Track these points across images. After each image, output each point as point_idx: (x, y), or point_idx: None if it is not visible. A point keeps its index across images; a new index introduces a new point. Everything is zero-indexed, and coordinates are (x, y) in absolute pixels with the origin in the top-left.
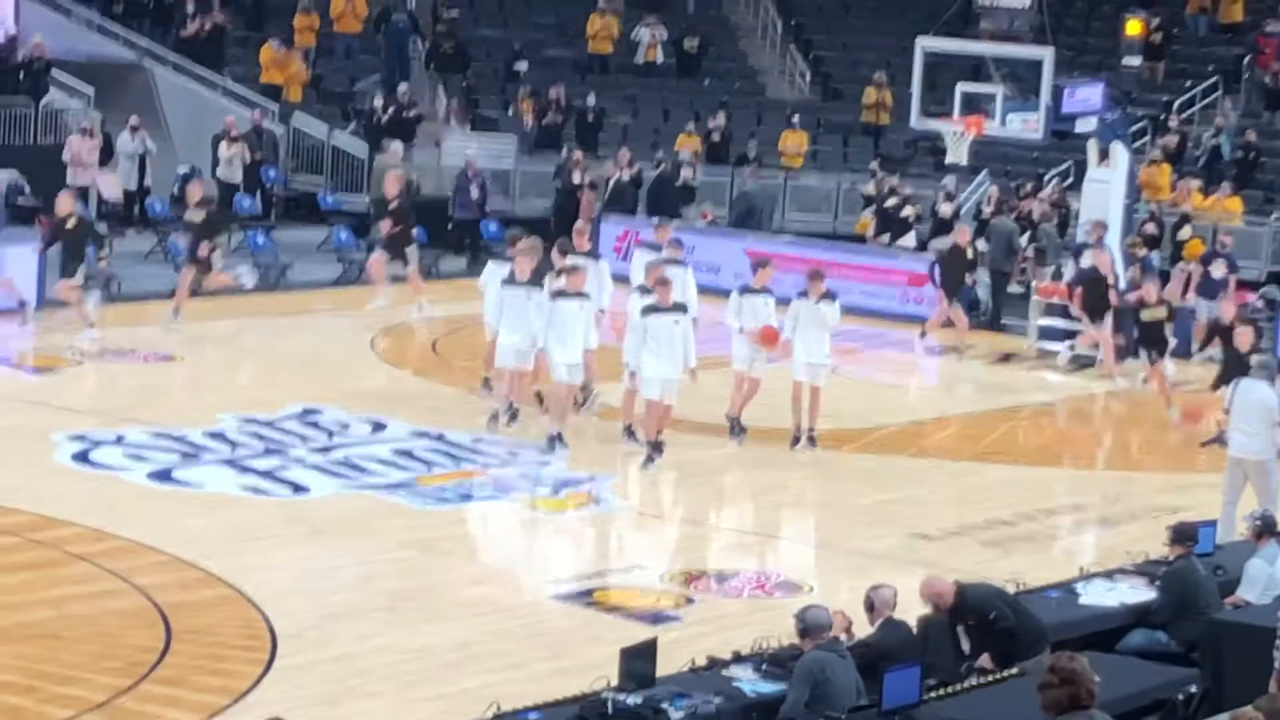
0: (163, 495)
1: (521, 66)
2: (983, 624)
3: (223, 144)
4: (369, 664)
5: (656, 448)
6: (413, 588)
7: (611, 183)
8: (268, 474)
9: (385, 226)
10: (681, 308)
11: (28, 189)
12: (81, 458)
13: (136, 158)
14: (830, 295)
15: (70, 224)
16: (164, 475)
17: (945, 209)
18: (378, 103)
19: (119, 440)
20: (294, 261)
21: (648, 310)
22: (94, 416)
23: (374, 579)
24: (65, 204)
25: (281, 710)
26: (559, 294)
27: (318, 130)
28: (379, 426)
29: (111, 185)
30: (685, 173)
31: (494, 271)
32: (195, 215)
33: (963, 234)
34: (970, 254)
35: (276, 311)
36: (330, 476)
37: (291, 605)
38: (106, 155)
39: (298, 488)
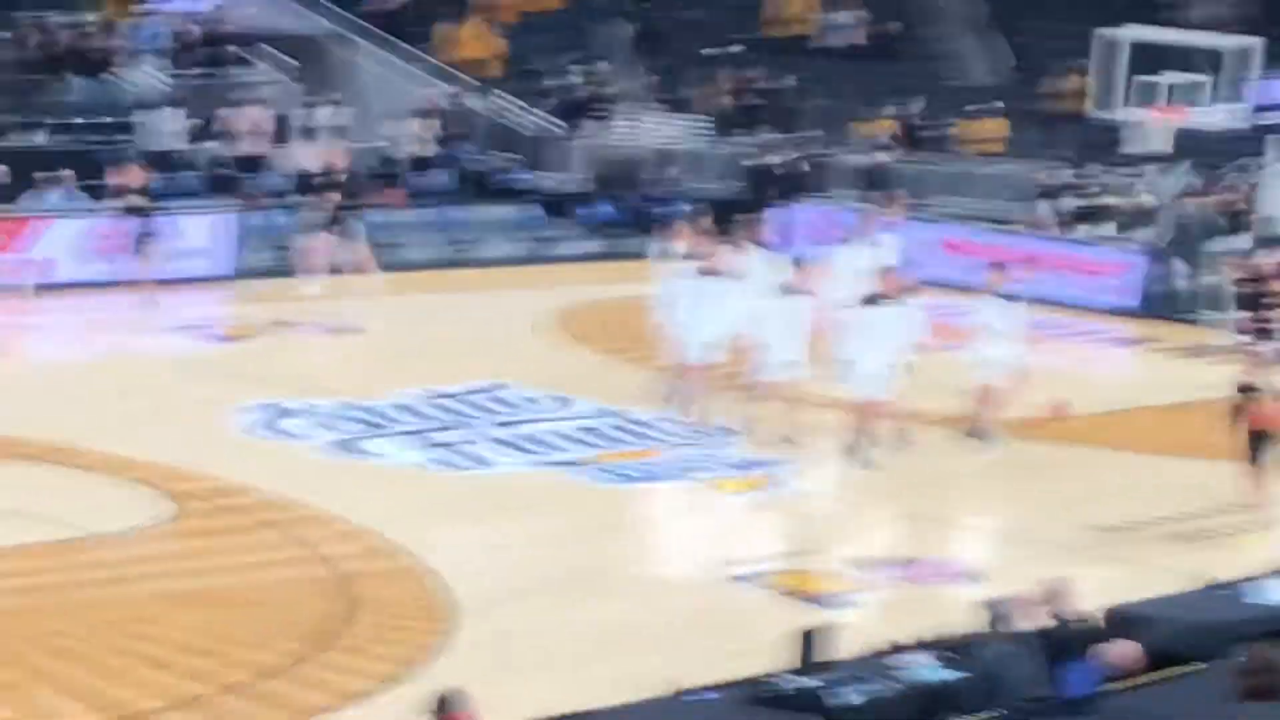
0: (348, 466)
1: (734, 49)
2: (1176, 659)
3: (417, 120)
4: (546, 639)
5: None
6: (592, 565)
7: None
8: (452, 447)
9: (332, 200)
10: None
11: (232, 160)
12: (270, 426)
13: (335, 131)
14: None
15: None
16: (350, 446)
17: (1147, 199)
18: (575, 81)
19: (307, 410)
20: (484, 237)
21: (869, 300)
22: (283, 386)
23: (554, 555)
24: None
25: (458, 682)
26: (788, 290)
27: (514, 108)
28: (564, 402)
29: (311, 158)
30: (881, 156)
31: (670, 253)
32: (137, 201)
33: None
34: None
35: (465, 288)
36: (514, 451)
37: (471, 578)
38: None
39: (482, 461)
